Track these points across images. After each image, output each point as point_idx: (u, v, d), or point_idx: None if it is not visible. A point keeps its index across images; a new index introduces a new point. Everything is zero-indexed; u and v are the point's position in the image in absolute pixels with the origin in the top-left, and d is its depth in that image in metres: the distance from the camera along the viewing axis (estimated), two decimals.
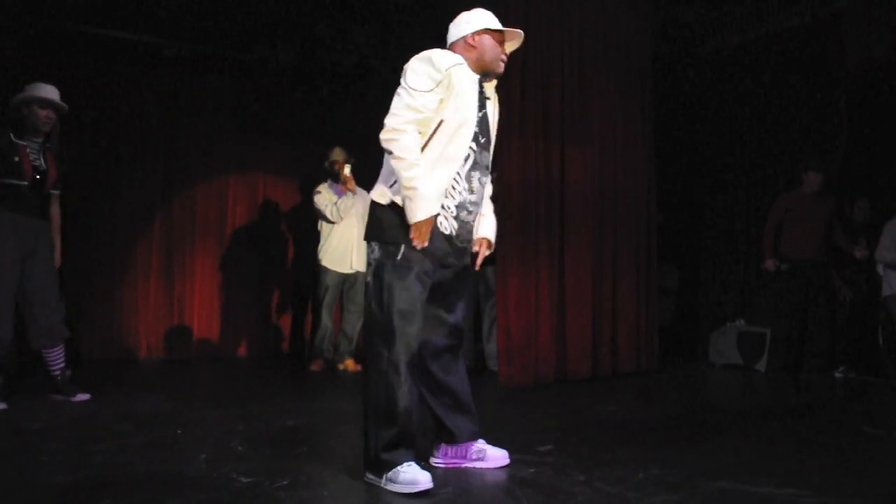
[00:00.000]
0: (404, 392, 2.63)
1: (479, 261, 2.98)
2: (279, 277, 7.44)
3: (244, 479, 2.70)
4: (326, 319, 6.02)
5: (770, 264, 6.13)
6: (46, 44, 6.19)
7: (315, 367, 5.95)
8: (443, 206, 2.75)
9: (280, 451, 3.16)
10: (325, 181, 6.12)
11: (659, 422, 4.04)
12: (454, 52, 2.85)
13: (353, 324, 6.08)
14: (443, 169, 2.72)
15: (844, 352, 6.01)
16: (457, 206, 2.79)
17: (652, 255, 6.21)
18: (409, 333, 2.66)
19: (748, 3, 6.49)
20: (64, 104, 4.36)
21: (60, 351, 4.40)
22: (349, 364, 6.05)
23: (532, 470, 2.89)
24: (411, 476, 2.56)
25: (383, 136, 2.66)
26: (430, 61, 2.71)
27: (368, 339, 2.73)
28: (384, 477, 2.60)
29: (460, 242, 2.84)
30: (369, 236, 2.81)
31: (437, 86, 2.69)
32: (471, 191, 2.82)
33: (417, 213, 2.62)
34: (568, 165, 5.60)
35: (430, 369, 2.87)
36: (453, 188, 2.77)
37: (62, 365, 4.40)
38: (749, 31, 6.88)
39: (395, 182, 2.69)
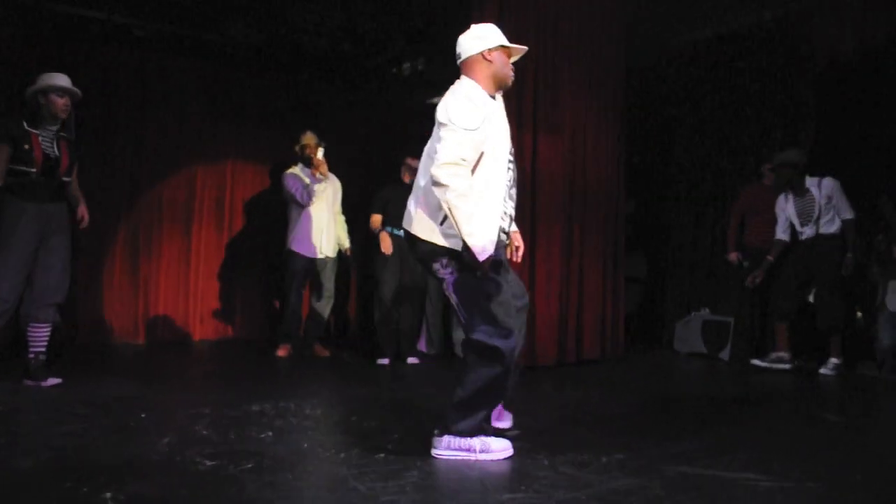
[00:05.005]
0: (504, 379, 2.87)
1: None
2: (247, 262, 7.36)
3: (208, 463, 2.69)
4: (295, 305, 5.98)
5: (733, 257, 6.23)
6: (12, 20, 6.05)
7: (282, 352, 5.91)
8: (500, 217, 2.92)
9: (245, 435, 3.14)
10: (296, 165, 6.07)
11: (623, 408, 4.09)
12: (469, 65, 2.97)
13: (322, 309, 6.06)
14: (492, 195, 2.85)
15: (805, 341, 6.10)
16: (510, 217, 3.03)
17: (619, 244, 6.27)
18: (512, 323, 2.86)
19: None
20: (78, 91, 4.39)
21: (46, 332, 4.36)
22: (317, 349, 6.03)
23: None
24: (501, 444, 2.88)
25: (440, 171, 2.71)
26: (469, 99, 2.84)
27: (476, 340, 2.82)
28: (475, 450, 2.82)
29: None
30: (438, 254, 2.87)
31: (483, 122, 2.82)
32: (512, 199, 3.04)
33: (482, 255, 2.74)
34: (539, 153, 5.61)
35: None
36: (504, 212, 2.94)
37: (42, 348, 4.34)
38: (721, 25, 6.93)
39: (445, 219, 2.81)
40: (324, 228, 5.96)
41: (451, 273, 2.87)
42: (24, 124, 4.23)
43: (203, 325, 7.13)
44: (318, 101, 7.56)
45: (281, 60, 7.38)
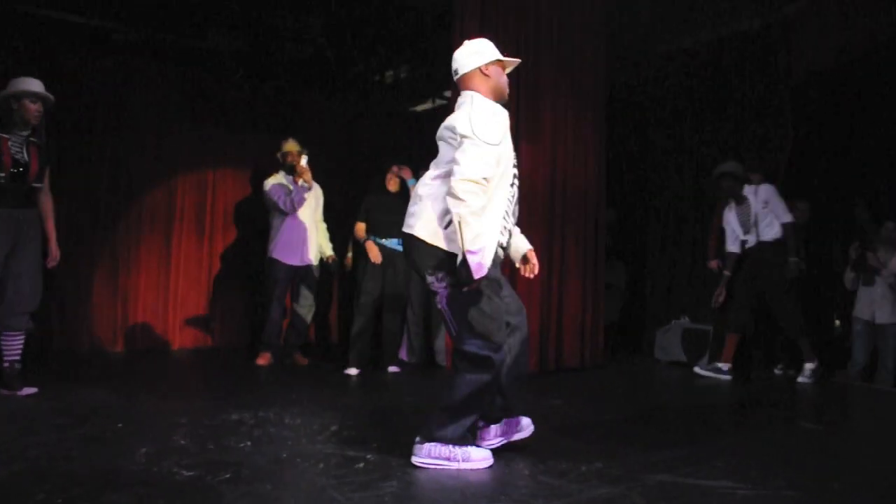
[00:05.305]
0: (493, 387, 2.91)
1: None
2: (228, 270, 7.32)
3: (186, 473, 2.67)
4: (276, 313, 5.95)
5: (714, 265, 6.27)
6: None
7: (262, 360, 5.87)
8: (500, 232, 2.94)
9: (223, 445, 3.12)
10: (278, 173, 6.05)
11: (603, 417, 4.10)
12: (467, 80, 3.01)
13: (303, 317, 6.03)
14: (495, 211, 2.87)
15: (783, 350, 6.16)
16: (509, 232, 3.04)
17: (599, 252, 6.29)
18: (503, 339, 2.90)
19: (702, 5, 6.59)
20: (51, 96, 4.37)
21: (20, 341, 4.31)
22: (297, 358, 6.00)
23: None
24: (482, 453, 2.88)
25: (460, 185, 2.72)
26: (494, 114, 2.87)
27: (467, 351, 2.85)
28: (457, 459, 2.82)
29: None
30: (436, 259, 2.87)
31: (503, 138, 2.87)
32: (514, 215, 3.06)
33: (477, 273, 2.74)
34: (521, 161, 5.61)
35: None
36: (504, 226, 2.96)
37: (17, 357, 4.28)
38: (701, 35, 7.00)
39: (449, 223, 2.81)
40: (305, 236, 5.93)
41: (445, 287, 2.88)
42: None
43: (182, 333, 7.06)
44: (300, 108, 7.54)
45: (263, 67, 7.35)
